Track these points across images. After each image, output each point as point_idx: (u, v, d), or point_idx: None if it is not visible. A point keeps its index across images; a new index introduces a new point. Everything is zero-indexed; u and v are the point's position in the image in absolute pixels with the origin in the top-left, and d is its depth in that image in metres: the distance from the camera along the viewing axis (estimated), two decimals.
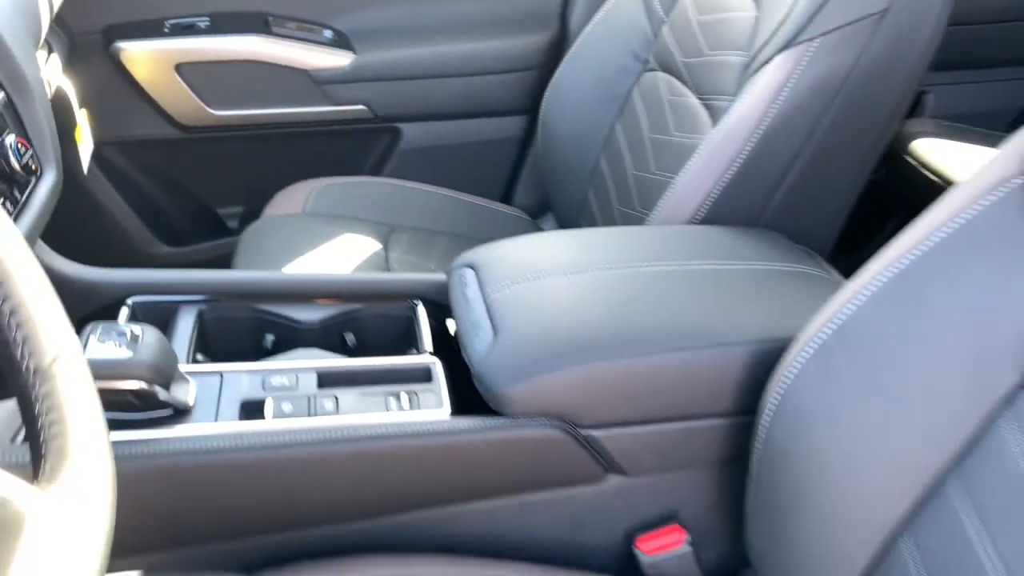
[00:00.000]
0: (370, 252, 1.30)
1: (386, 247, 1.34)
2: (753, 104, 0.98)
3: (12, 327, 0.46)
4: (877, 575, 0.68)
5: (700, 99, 1.14)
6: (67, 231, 1.11)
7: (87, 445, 0.47)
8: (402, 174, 1.59)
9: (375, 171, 1.65)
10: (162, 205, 1.65)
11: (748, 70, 1.02)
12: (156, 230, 1.61)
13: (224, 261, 1.36)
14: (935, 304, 0.66)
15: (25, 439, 0.71)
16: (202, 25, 1.48)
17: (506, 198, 1.69)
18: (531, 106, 1.57)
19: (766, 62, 0.99)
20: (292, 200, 1.43)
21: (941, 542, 0.65)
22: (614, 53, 1.35)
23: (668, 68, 1.23)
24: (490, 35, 1.59)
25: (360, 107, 1.56)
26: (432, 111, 1.61)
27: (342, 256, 1.28)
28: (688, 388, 0.79)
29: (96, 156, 1.51)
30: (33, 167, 0.85)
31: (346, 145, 1.64)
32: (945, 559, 0.64)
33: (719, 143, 1.00)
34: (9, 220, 0.49)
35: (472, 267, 0.90)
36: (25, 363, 0.47)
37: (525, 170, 1.68)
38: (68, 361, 0.49)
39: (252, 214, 1.45)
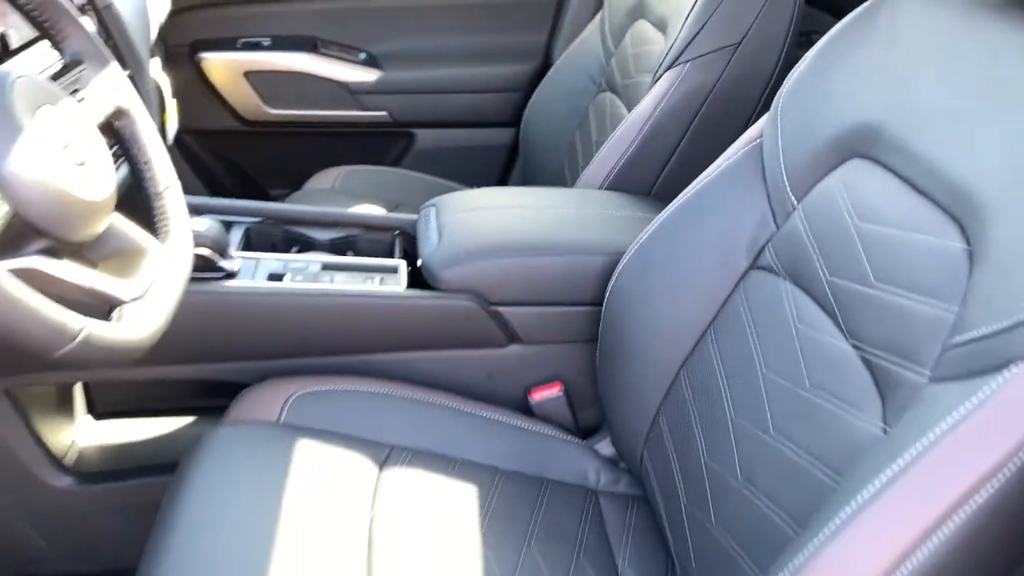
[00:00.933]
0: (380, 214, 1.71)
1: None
2: (646, 106, 1.38)
3: (142, 163, 0.86)
4: (666, 402, 1.04)
5: (628, 109, 1.53)
6: None
7: (181, 237, 0.87)
8: (415, 168, 2.00)
9: (394, 165, 2.07)
10: (225, 184, 2.09)
11: (649, 85, 1.41)
12: None
13: None
14: (705, 218, 1.03)
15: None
16: (265, 44, 1.94)
17: None
18: (518, 120, 1.99)
19: (659, 78, 1.39)
20: (325, 180, 1.85)
21: (701, 372, 1.01)
22: (578, 78, 1.76)
23: (613, 88, 1.62)
24: (489, 62, 2.02)
25: (383, 113, 2.00)
26: (440, 120, 2.03)
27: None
28: (564, 281, 1.17)
29: (176, 141, 1.96)
30: None
31: (372, 143, 2.07)
32: (703, 382, 1.00)
33: (622, 132, 1.39)
34: (146, 114, 0.90)
35: (435, 206, 1.30)
36: (148, 186, 0.87)
37: (513, 171, 2.08)
38: (174, 191, 0.89)
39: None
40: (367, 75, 1.97)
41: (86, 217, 0.72)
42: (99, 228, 0.75)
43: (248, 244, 1.31)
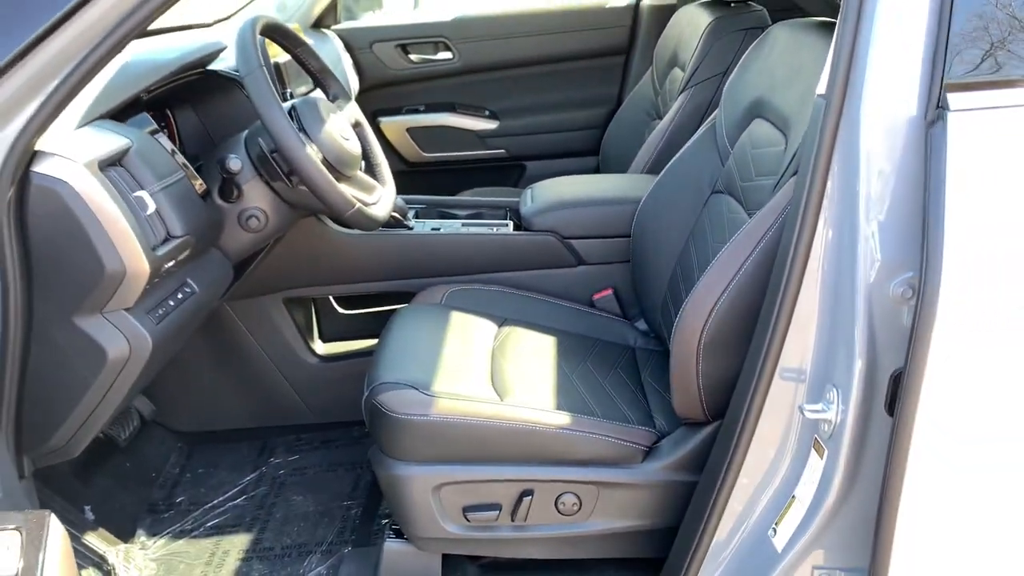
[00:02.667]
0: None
1: None
2: (669, 115, 2.09)
3: (368, 149, 1.66)
4: (669, 283, 1.71)
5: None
6: None
7: (390, 182, 1.65)
8: None
9: (514, 186, 2.85)
10: None
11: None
12: None
13: None
14: (685, 172, 1.72)
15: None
16: (421, 108, 2.79)
17: None
18: (596, 150, 2.72)
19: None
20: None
21: (686, 260, 1.68)
22: (637, 114, 2.49)
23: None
24: (577, 109, 2.79)
25: (502, 151, 2.80)
26: (543, 153, 2.81)
27: None
28: (611, 220, 1.87)
29: None
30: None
31: (495, 173, 2.87)
32: (686, 265, 1.67)
33: (654, 135, 2.10)
34: (368, 125, 1.70)
35: (532, 187, 2.05)
36: (372, 159, 1.66)
37: None
38: (385, 163, 1.68)
39: None
40: (490, 124, 2.79)
41: (352, 163, 1.51)
42: (356, 171, 1.54)
43: (418, 216, 2.10)
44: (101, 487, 1.75)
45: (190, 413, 2.00)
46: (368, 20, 2.83)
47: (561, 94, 2.80)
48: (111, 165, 1.19)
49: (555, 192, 1.96)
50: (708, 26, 2.07)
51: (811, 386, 1.14)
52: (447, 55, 2.75)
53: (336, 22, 2.72)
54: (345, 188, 1.49)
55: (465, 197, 2.13)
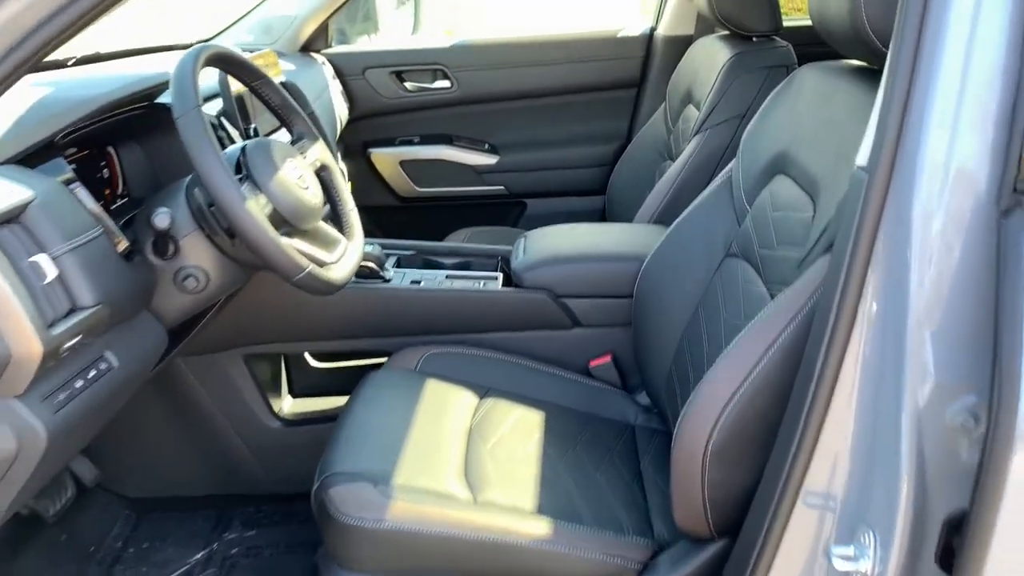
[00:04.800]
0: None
1: None
2: (680, 162, 1.88)
3: (335, 194, 1.46)
4: (675, 357, 1.50)
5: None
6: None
7: (358, 236, 1.45)
8: (527, 228, 2.56)
9: (513, 226, 2.64)
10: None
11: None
12: None
13: None
14: (695, 230, 1.51)
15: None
16: (415, 140, 2.59)
17: None
18: (603, 189, 2.51)
19: (690, 140, 1.89)
20: (458, 236, 2.44)
21: (694, 332, 1.47)
22: (648, 153, 2.28)
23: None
24: (584, 145, 2.59)
25: (501, 188, 2.59)
26: (545, 191, 2.60)
27: None
28: (611, 279, 1.66)
29: None
30: None
31: (493, 210, 2.66)
32: (695, 338, 1.46)
33: (664, 181, 1.89)
34: (338, 169, 1.50)
35: (525, 236, 1.84)
36: (339, 207, 1.46)
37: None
38: (354, 212, 1.48)
39: None
40: (489, 159, 2.59)
41: (309, 215, 1.31)
42: (315, 223, 1.34)
43: (399, 264, 1.89)
44: (27, 567, 1.55)
45: (139, 477, 1.80)
46: (362, 45, 2.65)
47: (566, 129, 2.60)
48: (4, 223, 1.00)
49: (549, 245, 1.75)
50: (727, 63, 1.86)
51: (841, 522, 0.92)
52: (445, 84, 2.56)
53: (327, 46, 2.53)
54: (300, 245, 1.29)
55: (453, 243, 1.93)
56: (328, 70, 2.44)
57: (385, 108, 2.56)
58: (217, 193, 1.14)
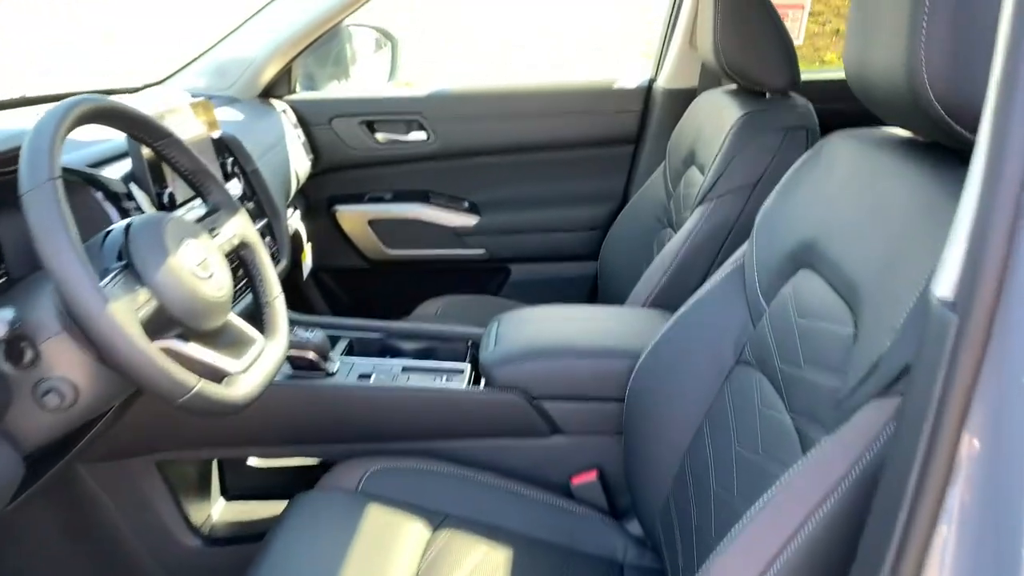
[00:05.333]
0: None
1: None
2: (682, 235, 1.61)
3: (258, 280, 1.18)
4: (675, 482, 1.22)
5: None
6: (295, 302, 1.89)
7: (280, 334, 1.17)
8: (511, 297, 2.29)
9: (493, 295, 2.37)
10: (352, 313, 2.45)
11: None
12: None
13: None
14: (700, 327, 1.24)
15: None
16: (387, 197, 2.33)
17: None
18: (594, 255, 2.24)
19: (692, 211, 1.62)
20: (431, 307, 2.16)
21: (698, 455, 1.19)
22: (646, 217, 2.01)
23: (671, 224, 1.80)
24: (574, 206, 2.32)
25: (482, 251, 2.32)
26: (531, 255, 2.33)
27: None
28: (597, 379, 1.38)
29: (312, 276, 2.36)
30: (275, 256, 1.64)
31: (473, 276, 2.39)
32: (699, 463, 1.18)
33: (662, 257, 1.62)
34: (263, 247, 1.23)
35: (498, 320, 1.56)
36: (261, 296, 1.19)
37: (597, 299, 2.33)
38: (279, 302, 1.21)
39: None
40: (469, 220, 2.32)
41: (209, 312, 1.03)
42: (219, 321, 1.06)
43: (350, 351, 1.61)
44: None
45: None
46: (329, 91, 2.39)
47: (555, 187, 2.34)
48: None
49: (525, 334, 1.47)
50: (736, 123, 1.60)
51: None
52: (421, 136, 2.30)
53: (290, 92, 2.28)
54: (194, 351, 1.01)
55: (414, 324, 1.65)
56: (289, 118, 2.18)
57: (353, 161, 2.30)
58: (64, 289, 0.87)
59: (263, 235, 1.64)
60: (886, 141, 1.04)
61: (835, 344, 0.92)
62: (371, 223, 2.33)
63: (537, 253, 2.34)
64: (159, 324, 0.98)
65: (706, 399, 1.19)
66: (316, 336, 1.45)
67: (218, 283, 1.06)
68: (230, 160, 1.62)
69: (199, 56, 2.20)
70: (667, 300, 1.60)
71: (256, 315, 1.20)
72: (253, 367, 1.08)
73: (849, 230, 0.98)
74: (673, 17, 2.21)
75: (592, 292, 2.35)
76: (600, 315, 1.56)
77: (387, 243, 2.35)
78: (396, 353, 1.61)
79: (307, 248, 2.13)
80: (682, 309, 1.27)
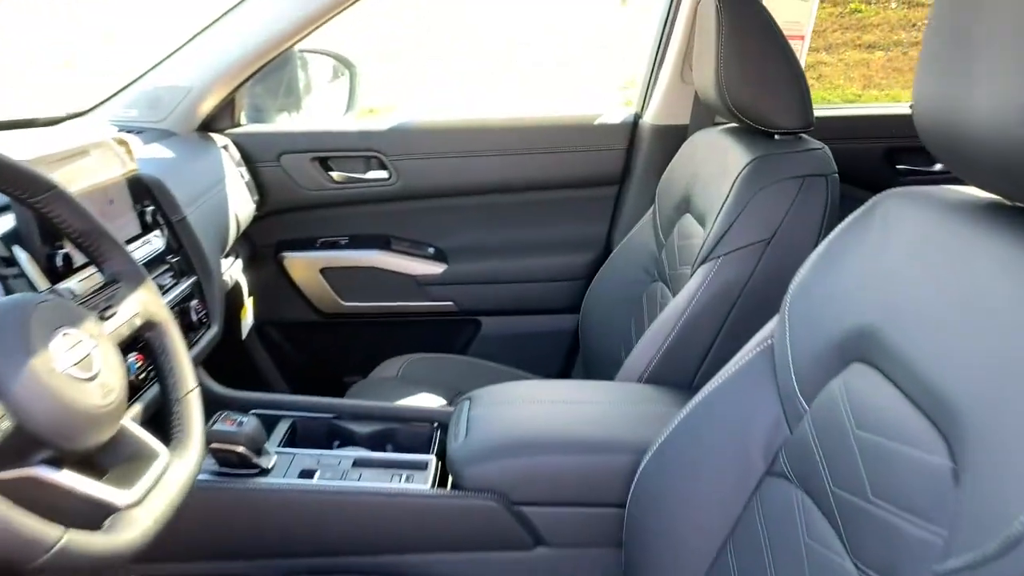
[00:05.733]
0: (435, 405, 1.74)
1: (449, 404, 1.77)
2: (683, 298, 1.39)
3: (166, 370, 0.93)
4: None
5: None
6: (231, 369, 1.63)
7: (191, 443, 0.92)
8: (482, 355, 2.04)
9: (461, 352, 2.12)
10: (302, 371, 2.19)
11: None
12: (292, 387, 2.14)
13: None
14: (720, 421, 1.01)
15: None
16: (343, 242, 2.08)
17: (562, 378, 2.11)
18: (576, 307, 2.02)
19: (695, 272, 1.40)
20: (391, 368, 1.91)
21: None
22: (633, 268, 1.80)
23: (663, 279, 1.64)
24: (551, 253, 2.09)
25: (449, 303, 2.08)
26: (504, 308, 2.09)
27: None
28: (590, 480, 1.15)
29: (257, 330, 2.09)
30: (204, 321, 1.38)
31: (439, 331, 2.14)
32: None
33: (660, 323, 1.40)
34: (174, 325, 0.98)
35: (470, 399, 1.32)
36: (168, 393, 0.93)
37: (577, 357, 2.10)
38: (192, 399, 0.95)
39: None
40: (434, 268, 2.08)
41: (91, 426, 0.77)
42: (105, 436, 0.80)
43: (292, 437, 1.36)
44: None
45: None
46: (279, 125, 2.15)
47: (532, 232, 2.11)
48: None
49: (501, 422, 1.23)
50: (745, 169, 1.38)
51: None
52: (381, 174, 2.06)
53: (234, 125, 2.03)
54: (66, 480, 0.76)
55: (372, 403, 1.40)
56: (232, 155, 1.93)
57: (305, 202, 2.05)
58: None
59: (189, 297, 1.39)
60: (962, 205, 0.82)
61: (922, 479, 0.69)
62: (324, 272, 2.08)
63: (511, 305, 2.10)
64: (19, 448, 0.73)
65: (730, 513, 0.96)
66: (248, 425, 1.19)
67: (104, 386, 0.80)
68: (150, 208, 1.36)
69: (131, 83, 1.95)
70: (667, 375, 1.37)
71: (164, 414, 0.95)
72: (151, 496, 0.83)
73: (927, 321, 0.76)
74: (661, 48, 2.00)
75: (572, 349, 2.11)
76: (591, 395, 1.32)
77: (342, 294, 2.09)
78: (347, 439, 1.36)
79: (248, 303, 1.88)
80: (697, 399, 1.04)
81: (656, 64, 2.02)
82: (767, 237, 1.34)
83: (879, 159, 2.01)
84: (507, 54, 8.22)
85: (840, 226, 0.96)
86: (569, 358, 2.12)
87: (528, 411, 1.24)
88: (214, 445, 1.17)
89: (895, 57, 7.91)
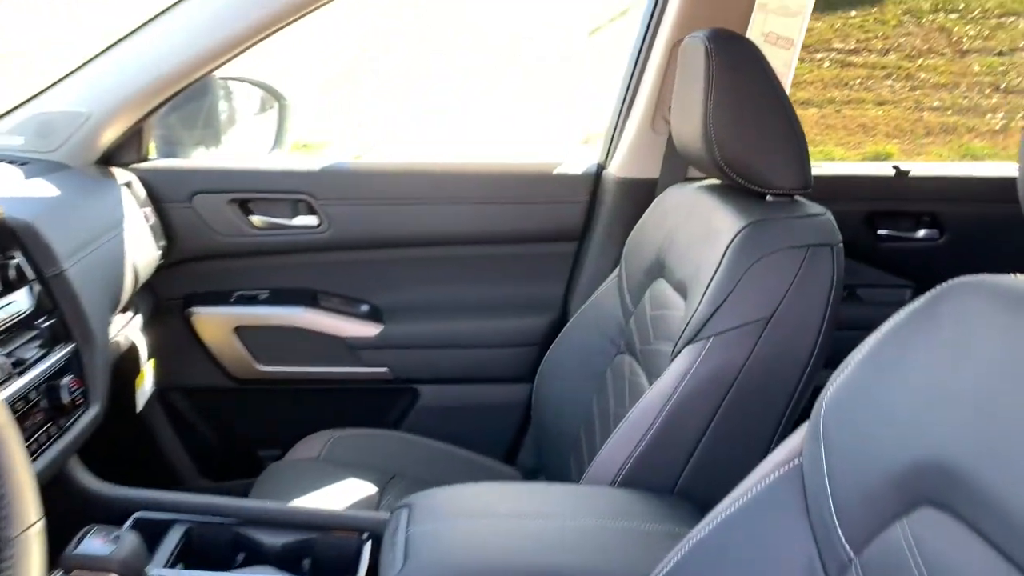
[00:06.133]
0: (363, 496, 1.48)
1: (381, 493, 1.52)
2: (665, 386, 1.18)
3: None
4: None
5: (648, 381, 1.34)
6: (120, 454, 1.35)
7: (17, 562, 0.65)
8: (419, 430, 1.80)
9: (395, 425, 1.87)
10: (211, 443, 1.91)
11: (670, 358, 1.22)
12: (200, 463, 1.86)
13: None
14: (730, 564, 0.79)
15: None
16: (262, 297, 1.82)
17: (510, 457, 1.87)
18: (532, 375, 1.80)
19: (678, 352, 1.20)
20: (313, 446, 1.65)
21: None
22: (595, 337, 1.59)
23: (632, 352, 1.44)
24: (501, 315, 1.87)
25: (383, 369, 1.83)
26: (446, 376, 1.85)
27: (338, 499, 1.47)
28: None
29: (159, 398, 1.81)
30: (80, 402, 1.11)
31: (370, 401, 1.89)
32: None
33: (639, 414, 1.18)
34: (14, 442, 0.72)
35: (409, 507, 1.07)
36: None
37: (529, 433, 1.87)
38: (31, 537, 0.69)
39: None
40: (367, 329, 1.83)
41: None
42: None
43: (187, 548, 1.09)
44: None
45: None
46: (194, 160, 1.90)
47: (480, 290, 1.88)
48: None
49: (449, 540, 0.98)
50: (737, 237, 1.19)
51: None
52: (310, 220, 1.81)
53: (140, 159, 1.77)
54: None
55: (284, 507, 1.15)
56: (136, 193, 1.67)
57: (220, 250, 1.79)
58: None
59: (62, 371, 1.11)
60: None
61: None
62: (239, 331, 1.81)
63: (454, 373, 1.86)
64: None
65: None
66: (124, 543, 0.93)
67: None
68: (14, 261, 1.10)
69: (17, 105, 1.67)
70: (645, 477, 1.16)
71: None
72: None
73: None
74: (630, 93, 1.82)
75: (522, 424, 1.88)
76: (560, 506, 1.08)
77: (259, 357, 1.82)
78: (255, 552, 1.10)
79: (147, 367, 1.60)
80: (701, 533, 0.82)
81: (623, 110, 1.83)
82: (766, 316, 1.14)
83: (860, 223, 1.86)
84: (511, 49, 8.05)
85: (892, 324, 0.76)
86: (519, 434, 1.88)
87: (484, 529, 1.00)
88: (80, 573, 0.90)
89: (828, 114, 8.05)
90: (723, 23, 1.42)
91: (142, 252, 1.58)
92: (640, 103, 1.78)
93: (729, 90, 1.23)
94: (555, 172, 1.85)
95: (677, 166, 1.74)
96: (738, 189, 1.31)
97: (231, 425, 1.90)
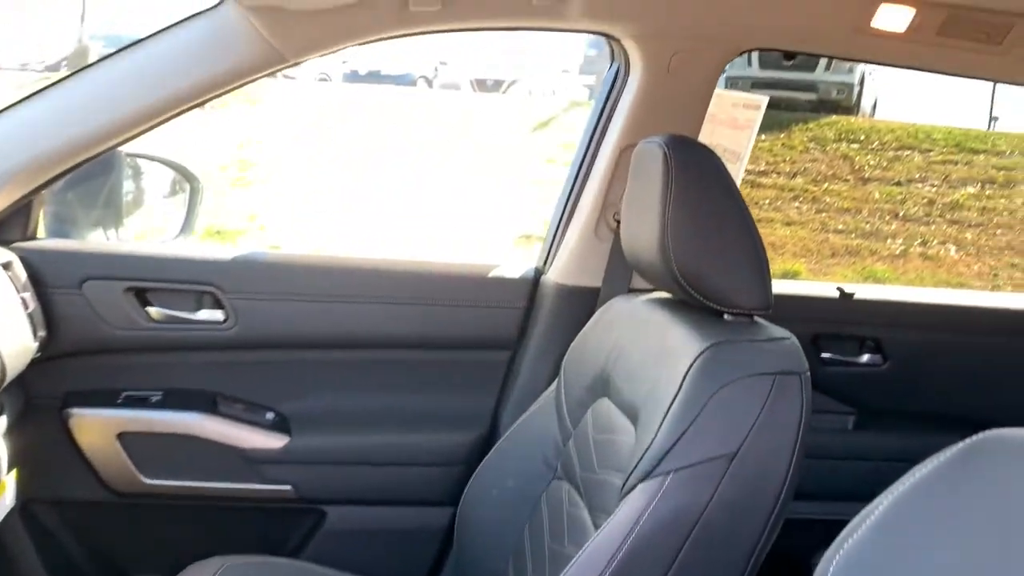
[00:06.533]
0: None
1: None
2: (616, 529, 1.03)
3: None
4: None
5: (590, 514, 1.20)
6: None
7: None
8: (324, 557, 1.58)
9: (296, 552, 1.66)
10: (80, 567, 1.65)
11: (621, 493, 1.08)
12: None
13: None
14: None
15: None
16: (153, 399, 1.61)
17: None
18: (456, 498, 1.63)
19: (631, 488, 1.06)
20: (201, 574, 1.43)
21: None
22: (529, 459, 1.44)
23: (571, 479, 1.30)
24: (424, 429, 1.70)
25: (287, 487, 1.63)
26: (357, 496, 1.66)
27: None
28: None
29: (24, 512, 1.56)
30: None
31: (269, 523, 1.68)
32: None
33: (585, 561, 1.03)
34: None
35: None
36: None
37: (447, 565, 1.68)
38: None
39: None
40: (271, 440, 1.63)
41: None
42: None
43: None
44: None
45: None
46: (88, 242, 1.71)
47: (400, 400, 1.71)
48: None
49: None
50: (700, 358, 1.08)
51: None
52: (215, 315, 1.63)
53: (28, 237, 1.57)
54: None
55: None
56: (16, 275, 1.47)
57: (109, 344, 1.58)
58: None
59: None
60: None
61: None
62: (123, 437, 1.58)
63: (366, 494, 1.67)
64: None
65: None
66: None
67: None
68: None
69: None
70: None
71: None
72: None
73: None
74: (573, 196, 1.73)
75: (442, 551, 1.69)
76: None
77: (144, 468, 1.59)
78: None
79: (9, 478, 1.37)
80: None
81: (565, 214, 1.74)
82: (731, 451, 1.02)
83: (807, 345, 1.79)
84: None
85: (914, 480, 0.64)
86: (438, 566, 1.69)
87: None
88: None
89: None
90: (675, 130, 1.35)
91: (13, 342, 1.37)
92: (584, 208, 1.69)
93: (689, 200, 1.14)
94: (490, 275, 1.73)
95: (621, 275, 1.64)
96: (692, 305, 1.21)
97: (108, 545, 1.66)
